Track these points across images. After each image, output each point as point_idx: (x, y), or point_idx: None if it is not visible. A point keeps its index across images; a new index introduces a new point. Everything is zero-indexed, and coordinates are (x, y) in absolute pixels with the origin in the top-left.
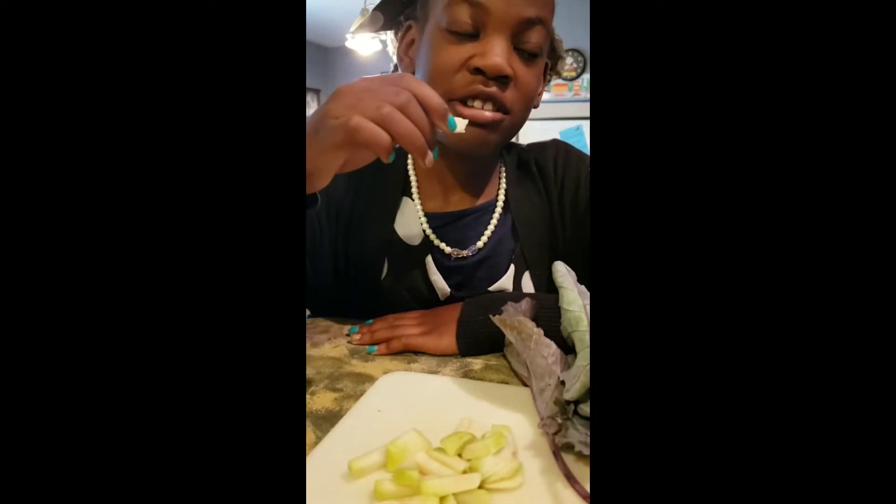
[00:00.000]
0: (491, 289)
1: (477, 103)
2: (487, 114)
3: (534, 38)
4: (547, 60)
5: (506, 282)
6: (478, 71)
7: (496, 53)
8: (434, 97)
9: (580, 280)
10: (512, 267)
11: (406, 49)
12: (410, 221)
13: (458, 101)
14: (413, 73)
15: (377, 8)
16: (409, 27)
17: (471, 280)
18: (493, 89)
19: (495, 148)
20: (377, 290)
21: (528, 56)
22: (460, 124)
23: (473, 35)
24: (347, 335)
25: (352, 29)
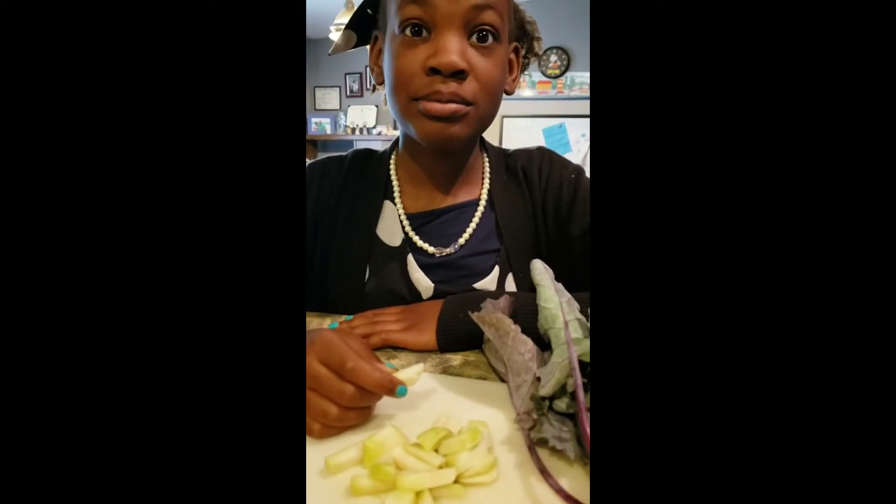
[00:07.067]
0: (474, 287)
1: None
2: (448, 106)
3: (488, 22)
4: (517, 43)
5: (489, 283)
6: (433, 70)
7: (448, 51)
8: (373, 380)
9: (558, 279)
10: (496, 269)
11: (375, 59)
12: (392, 224)
13: (422, 99)
14: (382, 82)
15: (348, 27)
16: (377, 38)
17: (453, 278)
18: (452, 86)
19: (467, 140)
20: (360, 294)
21: (486, 44)
22: (410, 382)
23: (426, 35)
24: None
25: (329, 51)
